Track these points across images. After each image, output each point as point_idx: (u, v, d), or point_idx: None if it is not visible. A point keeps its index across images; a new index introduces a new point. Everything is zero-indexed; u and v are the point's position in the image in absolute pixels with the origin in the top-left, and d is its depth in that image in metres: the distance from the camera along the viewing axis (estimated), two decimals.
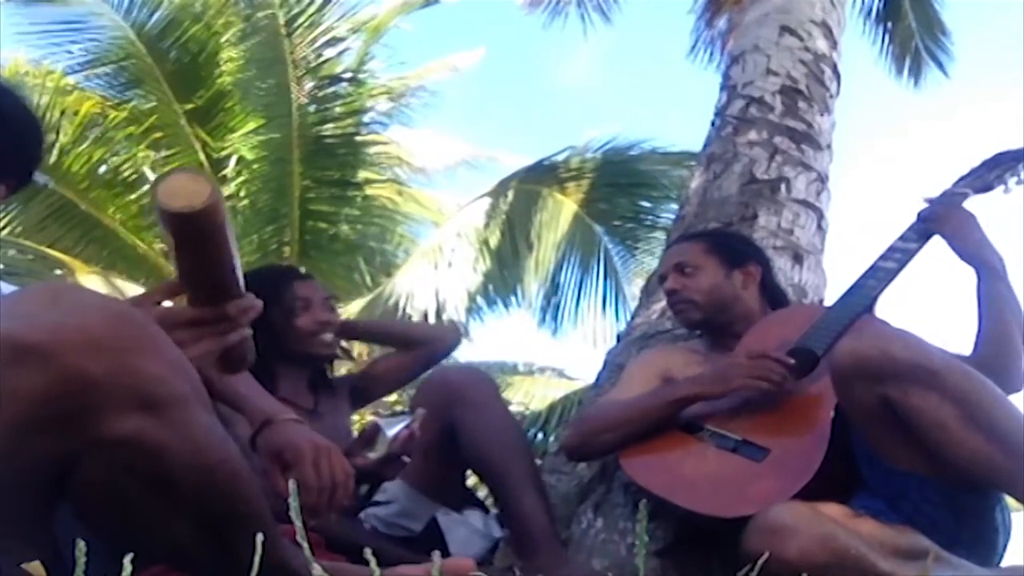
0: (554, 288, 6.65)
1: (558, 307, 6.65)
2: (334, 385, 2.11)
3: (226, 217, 0.94)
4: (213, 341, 0.95)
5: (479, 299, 6.79)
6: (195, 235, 0.93)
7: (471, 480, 2.07)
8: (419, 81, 7.48)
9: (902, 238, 1.93)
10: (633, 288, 6.40)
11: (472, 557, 1.49)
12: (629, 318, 2.80)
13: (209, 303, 0.98)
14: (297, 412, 1.81)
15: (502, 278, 6.70)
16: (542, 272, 6.65)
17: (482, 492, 2.02)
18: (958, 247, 1.82)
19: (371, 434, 1.65)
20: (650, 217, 6.49)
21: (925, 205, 1.95)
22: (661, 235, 6.27)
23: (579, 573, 1.65)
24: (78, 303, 0.82)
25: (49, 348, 0.78)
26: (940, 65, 6.45)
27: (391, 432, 1.65)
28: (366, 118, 6.87)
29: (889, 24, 6.30)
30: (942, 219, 1.87)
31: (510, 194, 6.67)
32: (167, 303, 1.00)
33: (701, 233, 2.48)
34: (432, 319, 6.69)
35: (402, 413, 1.79)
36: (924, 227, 1.91)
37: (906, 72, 6.47)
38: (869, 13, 6.25)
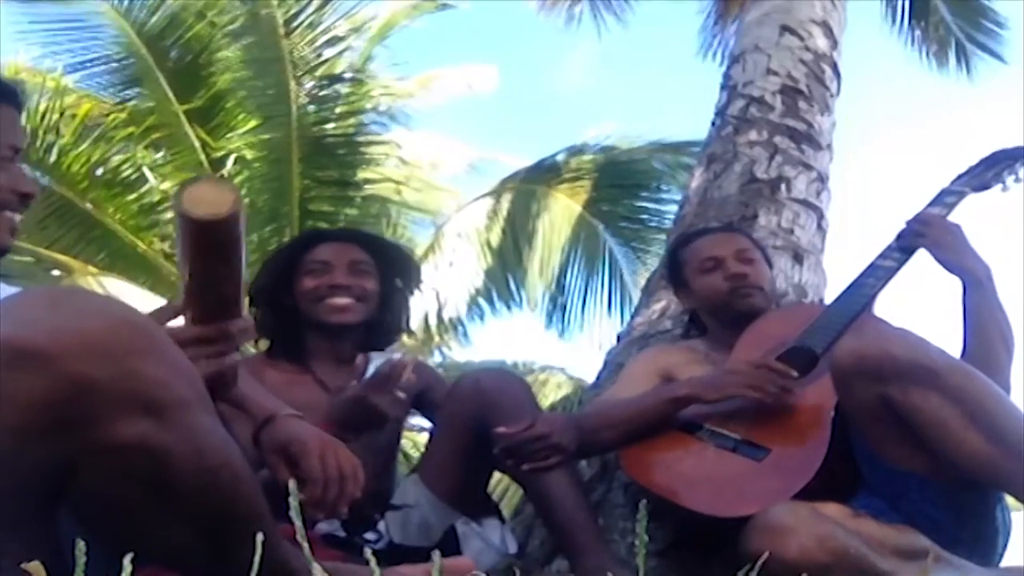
0: (560, 290, 6.67)
1: (564, 309, 6.67)
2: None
3: (244, 230, 0.95)
4: (212, 362, 0.96)
5: (480, 299, 6.80)
6: (214, 244, 0.94)
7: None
8: (423, 88, 7.49)
9: (899, 238, 1.93)
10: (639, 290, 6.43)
11: (485, 570, 1.48)
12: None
13: (212, 320, 0.99)
14: (325, 394, 1.80)
15: (503, 278, 6.71)
16: (546, 273, 6.66)
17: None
18: (942, 258, 1.82)
19: (360, 368, 1.63)
20: (655, 218, 6.51)
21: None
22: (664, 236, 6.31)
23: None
24: (79, 307, 0.82)
25: (50, 353, 0.78)
26: (992, 53, 6.36)
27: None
28: (366, 118, 6.86)
29: (920, 20, 6.26)
30: (924, 233, 1.86)
31: (511, 194, 6.68)
32: (169, 324, 1.01)
33: (740, 228, 2.52)
34: (433, 320, 6.70)
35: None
36: (910, 243, 1.89)
37: (931, 63, 6.42)
38: (895, 12, 6.24)
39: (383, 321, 1.95)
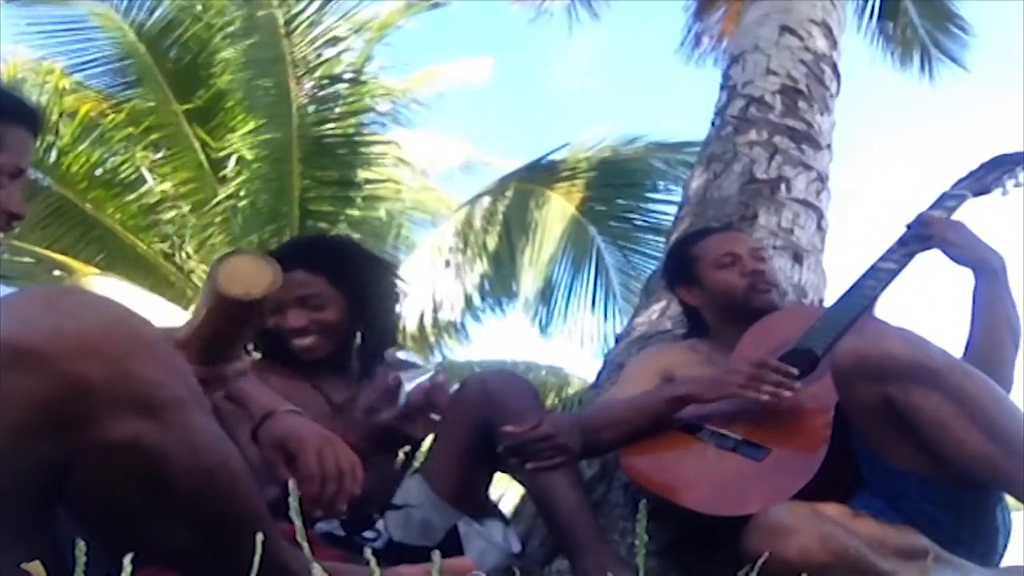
0: (547, 287, 6.68)
1: (549, 305, 6.70)
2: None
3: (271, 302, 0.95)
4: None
5: (477, 298, 6.80)
6: (238, 318, 0.95)
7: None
8: (420, 84, 7.50)
9: (900, 240, 1.92)
10: (626, 288, 6.43)
11: (490, 569, 1.47)
12: (620, 318, 2.82)
13: (210, 364, 1.00)
14: (327, 404, 1.78)
15: (499, 277, 6.72)
16: (536, 271, 6.67)
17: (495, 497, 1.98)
18: (954, 254, 1.82)
19: (393, 388, 1.58)
20: (644, 217, 6.50)
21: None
22: (654, 236, 6.30)
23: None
24: (76, 307, 0.82)
25: (47, 352, 0.78)
26: (954, 59, 6.39)
27: (411, 386, 1.60)
28: (366, 118, 6.86)
29: (889, 20, 6.28)
30: (930, 234, 1.86)
31: (508, 193, 6.68)
32: None
33: (740, 229, 2.54)
34: (429, 319, 6.70)
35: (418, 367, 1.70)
36: (916, 245, 1.89)
37: (895, 64, 6.44)
38: (864, 11, 6.24)
39: (367, 328, 1.87)
